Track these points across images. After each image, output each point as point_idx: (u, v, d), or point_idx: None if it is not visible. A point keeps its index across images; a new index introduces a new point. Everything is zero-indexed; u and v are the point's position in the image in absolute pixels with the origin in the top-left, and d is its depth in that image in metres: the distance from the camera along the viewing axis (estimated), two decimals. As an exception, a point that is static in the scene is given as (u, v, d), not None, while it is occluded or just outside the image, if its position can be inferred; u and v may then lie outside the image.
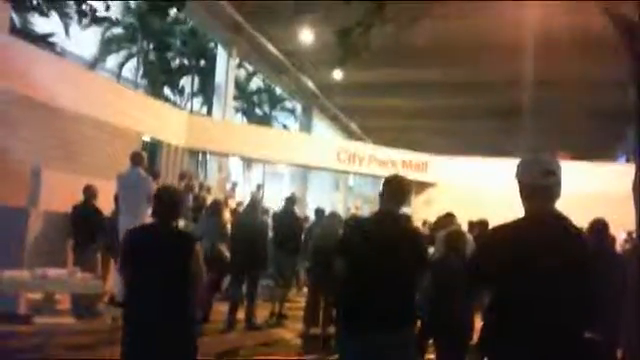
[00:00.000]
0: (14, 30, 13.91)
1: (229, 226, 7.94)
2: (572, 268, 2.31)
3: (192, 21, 21.22)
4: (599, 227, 4.69)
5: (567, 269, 2.30)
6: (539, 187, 2.42)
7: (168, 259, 3.27)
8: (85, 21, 15.96)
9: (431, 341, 4.79)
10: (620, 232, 6.99)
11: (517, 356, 2.32)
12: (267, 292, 8.72)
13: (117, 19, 22.22)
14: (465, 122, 22.73)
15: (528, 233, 2.39)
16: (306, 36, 15.10)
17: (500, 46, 13.93)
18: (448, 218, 7.28)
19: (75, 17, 18.44)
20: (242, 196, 13.48)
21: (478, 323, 4.23)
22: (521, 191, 2.48)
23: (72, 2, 16.94)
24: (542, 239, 2.34)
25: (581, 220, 2.76)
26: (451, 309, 4.35)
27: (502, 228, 2.52)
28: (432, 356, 4.74)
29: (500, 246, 2.46)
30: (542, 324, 2.28)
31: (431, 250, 5.91)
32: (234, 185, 14.02)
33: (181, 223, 7.60)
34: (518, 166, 2.52)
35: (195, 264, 3.32)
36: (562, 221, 2.41)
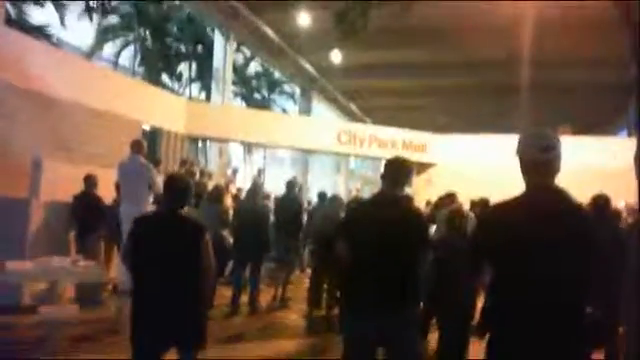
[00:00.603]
0: (9, 21, 13.81)
1: (231, 212, 7.94)
2: (573, 243, 2.30)
3: (188, 7, 21.06)
4: (601, 202, 4.67)
5: (567, 244, 2.29)
6: (539, 162, 2.40)
7: (178, 248, 3.26)
8: (85, 10, 15.92)
9: (434, 321, 4.80)
10: (620, 202, 6.97)
11: (518, 334, 2.32)
12: (270, 276, 8.76)
13: (113, 7, 22.11)
14: (465, 101, 22.62)
15: (528, 209, 2.38)
16: (303, 19, 14.98)
17: (499, 24, 13.80)
18: (450, 197, 7.28)
19: (71, 7, 18.38)
20: (243, 181, 13.48)
21: (480, 302, 4.25)
22: (521, 166, 2.47)
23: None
24: (542, 215, 2.33)
25: (582, 195, 2.74)
26: (453, 288, 4.35)
27: (502, 205, 2.51)
28: (435, 335, 4.75)
29: (500, 223, 2.44)
30: (543, 301, 2.28)
31: (433, 229, 5.91)
32: (235, 171, 14.01)
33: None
34: (518, 141, 2.50)
35: (205, 253, 3.32)
36: (562, 196, 2.40)
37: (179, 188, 3.42)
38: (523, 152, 2.46)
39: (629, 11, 5.29)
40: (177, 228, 3.34)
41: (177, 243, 3.28)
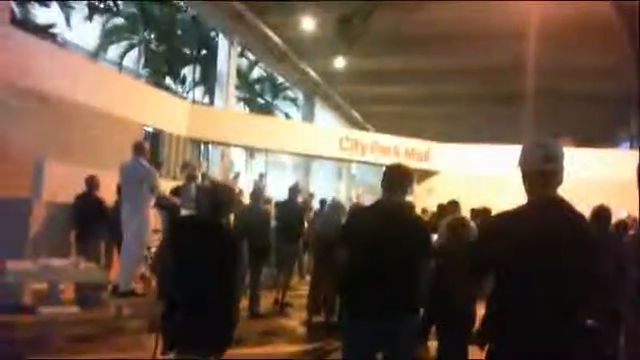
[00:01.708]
0: (15, 21, 13.86)
1: (232, 216, 7.94)
2: (574, 255, 2.30)
3: (193, 10, 21.12)
4: (602, 214, 4.67)
5: (569, 256, 2.29)
6: (541, 173, 2.40)
7: (213, 255, 3.32)
8: (88, 12, 15.97)
9: (433, 328, 4.80)
10: (621, 213, 6.97)
11: (519, 344, 2.32)
12: (270, 281, 8.75)
13: (118, 9, 22.18)
14: (468, 109, 22.65)
15: (529, 220, 2.38)
16: (308, 24, 15.02)
17: (503, 32, 13.84)
18: (452, 206, 7.27)
19: (77, 7, 18.43)
20: (244, 186, 13.48)
21: (480, 311, 4.24)
22: (523, 176, 2.47)
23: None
24: (544, 226, 2.33)
25: (584, 206, 2.74)
26: (453, 297, 4.35)
27: (504, 215, 2.51)
28: (434, 343, 4.74)
29: (502, 233, 2.45)
30: (543, 312, 2.28)
31: (434, 238, 5.91)
32: (237, 175, 14.01)
33: (184, 212, 7.61)
34: (521, 151, 2.50)
35: (239, 264, 3.45)
36: (564, 207, 2.40)
37: (222, 199, 3.49)
38: (526, 162, 2.46)
39: (632, 21, 5.31)
40: (215, 237, 3.41)
41: (214, 251, 3.33)
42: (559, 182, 2.42)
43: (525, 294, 2.31)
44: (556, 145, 2.47)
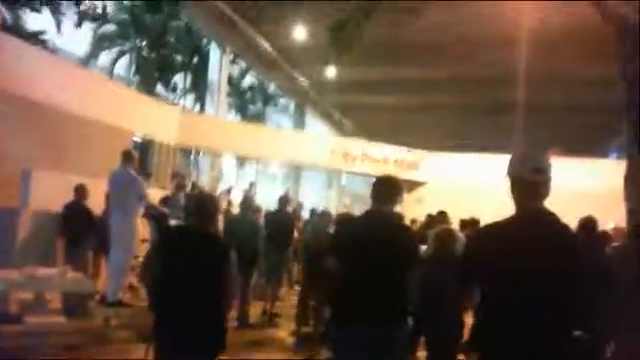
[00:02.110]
0: (5, 27, 13.79)
1: (220, 225, 7.92)
2: (561, 266, 2.32)
3: (185, 18, 21.13)
4: (589, 225, 4.70)
5: (557, 267, 2.31)
6: (529, 184, 2.42)
7: (205, 265, 3.36)
8: (81, 20, 15.91)
9: (422, 339, 4.80)
10: (609, 224, 7.02)
11: (507, 354, 2.33)
12: (259, 291, 8.70)
13: (110, 16, 22.12)
14: (458, 118, 22.75)
15: (517, 231, 2.40)
16: (299, 33, 15.08)
17: (493, 43, 13.97)
18: (440, 216, 7.30)
19: (67, 14, 18.36)
20: (235, 195, 13.43)
21: (469, 320, 4.25)
22: (511, 187, 2.48)
23: (68, 1, 16.88)
24: (531, 237, 2.35)
25: (571, 217, 2.77)
26: (441, 307, 4.35)
27: (492, 226, 2.53)
28: (423, 354, 4.74)
29: (489, 244, 2.46)
30: (531, 323, 2.29)
31: (423, 248, 5.92)
32: (229, 189, 13.84)
33: (173, 222, 7.58)
34: (509, 162, 2.52)
35: (229, 271, 3.44)
36: (552, 219, 2.42)
37: (208, 207, 3.58)
38: (514, 172, 2.48)
39: (621, 31, 5.36)
40: (205, 245, 3.46)
41: (204, 260, 3.37)
42: (546, 193, 2.44)
43: (513, 305, 2.33)
44: (544, 156, 2.50)
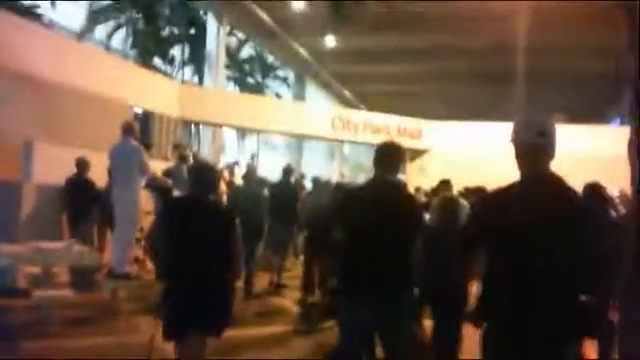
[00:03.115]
0: (-1, 1, 13.58)
1: (225, 197, 7.93)
2: (567, 231, 2.31)
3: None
4: (595, 190, 4.68)
5: (562, 232, 2.30)
6: (533, 147, 2.40)
7: (210, 234, 3.36)
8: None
9: (427, 307, 4.83)
10: (614, 189, 7.01)
11: (513, 321, 2.34)
12: (264, 262, 8.77)
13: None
14: (461, 87, 22.60)
15: (522, 196, 2.39)
16: (298, 2, 14.84)
17: (495, 12, 13.77)
18: (443, 185, 7.29)
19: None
20: (238, 168, 13.38)
21: (474, 289, 4.28)
22: (516, 151, 2.47)
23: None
24: (537, 201, 2.34)
25: (576, 183, 2.75)
26: (446, 276, 4.37)
27: (497, 192, 2.52)
28: (429, 322, 4.78)
29: (495, 210, 2.46)
30: (537, 288, 2.30)
31: (427, 217, 5.93)
32: (235, 163, 13.74)
33: (176, 193, 7.58)
34: (513, 126, 2.50)
35: (235, 239, 3.43)
36: (557, 183, 2.40)
37: (208, 176, 3.55)
38: (518, 137, 2.46)
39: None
40: (209, 215, 3.45)
41: (209, 230, 3.36)
42: (551, 157, 2.43)
43: (519, 270, 2.33)
44: (547, 121, 2.48)
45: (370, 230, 3.26)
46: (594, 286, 2.51)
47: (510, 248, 2.35)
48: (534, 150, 2.40)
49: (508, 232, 2.35)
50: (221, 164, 13.31)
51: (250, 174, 8.10)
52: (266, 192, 8.48)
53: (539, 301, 2.29)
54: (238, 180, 10.58)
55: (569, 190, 2.43)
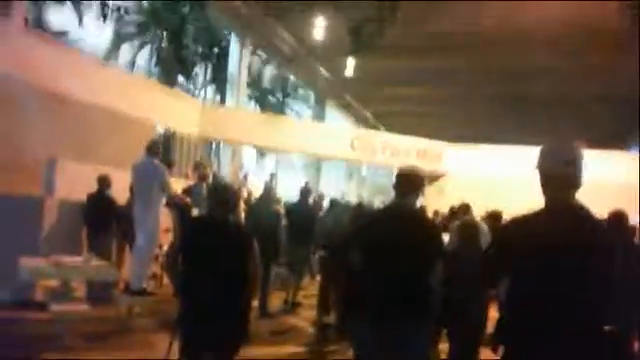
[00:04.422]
0: (29, 23, 13.97)
1: (242, 215, 7.95)
2: (591, 260, 2.27)
3: (206, 9, 21.14)
4: (618, 218, 4.60)
5: (586, 261, 2.26)
6: (559, 176, 2.36)
7: (228, 254, 3.38)
8: (102, 17, 16.15)
9: (444, 331, 4.76)
10: (634, 216, 6.88)
11: (534, 349, 2.29)
12: (281, 281, 8.75)
13: (130, 9, 22.28)
14: (480, 110, 22.49)
15: (547, 224, 2.35)
16: (320, 24, 14.99)
17: (516, 36, 13.75)
18: (463, 208, 7.22)
19: (90, 8, 18.58)
20: (255, 185, 13.50)
21: (493, 314, 4.21)
22: (541, 180, 2.43)
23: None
24: (560, 231, 2.30)
25: (596, 209, 2.70)
26: (465, 300, 4.32)
27: (521, 219, 2.48)
28: (445, 346, 4.71)
29: (518, 238, 2.42)
30: (560, 317, 2.25)
31: (446, 240, 5.88)
32: (246, 175, 14.01)
33: (195, 212, 7.63)
34: (539, 154, 2.47)
35: (252, 261, 3.44)
36: (582, 212, 2.36)
37: (227, 197, 3.59)
38: (544, 165, 2.43)
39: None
40: (228, 235, 3.48)
41: (227, 250, 3.39)
42: (577, 186, 2.39)
43: (541, 299, 2.29)
44: (575, 149, 2.44)
45: (388, 255, 3.23)
46: (617, 316, 2.46)
47: (533, 276, 2.31)
48: (561, 179, 2.36)
49: (532, 260, 2.31)
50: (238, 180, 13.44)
51: (267, 193, 8.12)
52: (282, 210, 8.49)
53: (561, 329, 2.24)
54: (252, 193, 10.62)
55: (594, 220, 2.39)
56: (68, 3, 18.71)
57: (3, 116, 7.86)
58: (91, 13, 19.87)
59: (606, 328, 2.34)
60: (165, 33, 24.03)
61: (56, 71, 8.74)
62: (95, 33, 20.80)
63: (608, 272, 2.29)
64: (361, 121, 28.08)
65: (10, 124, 7.89)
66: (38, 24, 17.38)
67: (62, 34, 18.65)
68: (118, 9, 22.01)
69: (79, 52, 13.74)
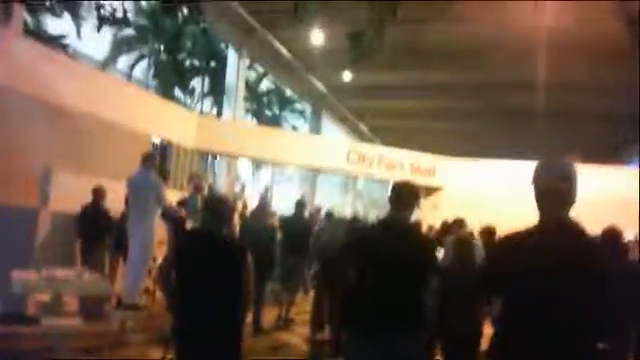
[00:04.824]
0: (27, 31, 13.99)
1: (237, 229, 7.92)
2: (585, 278, 2.27)
3: (203, 22, 21.27)
4: (612, 235, 4.61)
5: (580, 279, 2.26)
6: (554, 192, 2.37)
7: (221, 269, 3.36)
8: (98, 23, 16.17)
9: (439, 346, 4.74)
10: (630, 233, 6.90)
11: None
12: (275, 296, 8.70)
13: (128, 20, 22.37)
14: (476, 124, 22.61)
15: (540, 242, 2.35)
16: (316, 37, 15.08)
17: (511, 48, 13.84)
18: (457, 223, 7.20)
19: (87, 18, 18.62)
20: (250, 198, 13.49)
21: (487, 330, 4.19)
22: (536, 195, 2.43)
23: (87, 4, 17.12)
24: (555, 249, 2.30)
25: (591, 225, 2.71)
26: (459, 316, 4.30)
27: (515, 235, 2.48)
28: (439, 362, 4.69)
29: (511, 254, 2.42)
30: (553, 335, 2.24)
31: (440, 255, 5.86)
32: (243, 187, 14.01)
33: (189, 224, 7.61)
34: (534, 169, 2.48)
35: (247, 275, 3.42)
36: (576, 229, 2.37)
37: (222, 210, 3.55)
38: (539, 180, 2.44)
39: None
40: (222, 250, 3.45)
41: (221, 264, 3.37)
42: (572, 202, 2.39)
43: (534, 316, 2.28)
44: (570, 165, 2.45)
45: (382, 270, 3.23)
46: (612, 334, 2.45)
47: (528, 293, 2.31)
48: (555, 195, 2.37)
49: (525, 279, 2.30)
50: (234, 193, 13.42)
51: (262, 206, 8.10)
52: (277, 224, 8.46)
53: (556, 346, 2.23)
54: (247, 206, 10.57)
55: (588, 238, 2.40)
56: (66, 13, 18.75)
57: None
58: (89, 23, 19.94)
59: (600, 346, 2.33)
60: (163, 46, 24.15)
61: (52, 81, 8.73)
62: (93, 40, 20.83)
63: (602, 290, 2.29)
64: (357, 134, 28.17)
65: (5, 134, 7.87)
66: (36, 29, 17.41)
67: (60, 38, 18.67)
68: (117, 20, 22.10)
69: (76, 61, 13.77)
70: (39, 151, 8.11)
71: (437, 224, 10.42)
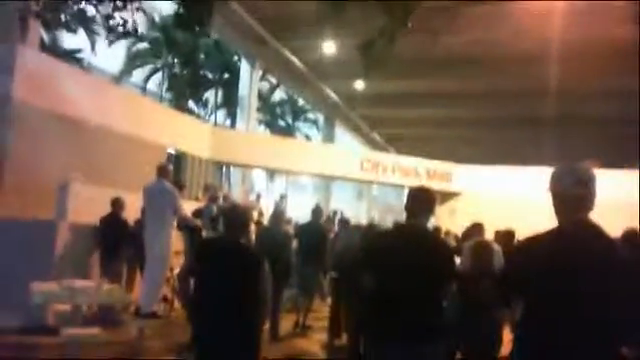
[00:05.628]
0: (43, 47, 14.25)
1: (252, 237, 7.94)
2: (606, 280, 2.24)
3: (216, 34, 21.50)
4: (631, 236, 4.56)
5: (601, 281, 2.24)
6: (572, 197, 2.35)
7: (238, 277, 3.37)
8: (112, 36, 16.44)
9: (458, 354, 4.70)
10: None
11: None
12: (291, 303, 8.69)
13: (142, 34, 22.68)
14: (489, 131, 22.51)
15: (560, 246, 2.33)
16: (328, 47, 15.15)
17: (524, 56, 13.80)
18: (476, 228, 7.15)
19: (102, 33, 18.91)
20: (265, 207, 13.54)
21: (507, 336, 4.15)
22: (554, 201, 2.42)
23: (101, 18, 17.37)
24: (574, 252, 2.28)
25: (610, 229, 2.68)
26: (478, 322, 4.27)
27: (533, 240, 2.46)
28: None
29: (531, 258, 2.39)
30: (575, 338, 2.22)
31: (458, 261, 5.83)
32: (259, 196, 14.06)
33: (205, 234, 7.65)
34: (551, 175, 2.46)
35: (263, 283, 3.43)
36: (597, 231, 2.34)
37: (240, 219, 3.59)
38: (556, 186, 2.42)
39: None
40: (239, 258, 3.46)
41: (238, 273, 3.38)
42: (590, 207, 2.37)
43: (556, 319, 2.26)
44: (588, 170, 2.43)
45: (400, 275, 3.21)
46: (634, 334, 2.42)
47: (548, 297, 2.29)
48: (574, 200, 2.35)
49: (546, 281, 2.28)
50: (249, 201, 13.48)
51: (278, 214, 8.12)
52: (292, 231, 8.47)
53: (577, 351, 2.21)
54: (263, 214, 10.59)
55: (609, 239, 2.37)
56: (81, 29, 19.05)
57: (16, 139, 7.98)
58: (104, 38, 20.24)
59: (623, 349, 2.30)
60: (176, 59, 24.41)
61: (69, 94, 8.86)
62: (108, 54, 21.13)
63: (624, 291, 2.26)
64: (370, 143, 28.17)
65: (22, 148, 7.99)
66: (52, 44, 17.70)
67: (75, 52, 18.98)
68: (131, 34, 22.39)
69: (92, 75, 13.98)
70: (56, 164, 8.22)
71: (454, 229, 10.38)
